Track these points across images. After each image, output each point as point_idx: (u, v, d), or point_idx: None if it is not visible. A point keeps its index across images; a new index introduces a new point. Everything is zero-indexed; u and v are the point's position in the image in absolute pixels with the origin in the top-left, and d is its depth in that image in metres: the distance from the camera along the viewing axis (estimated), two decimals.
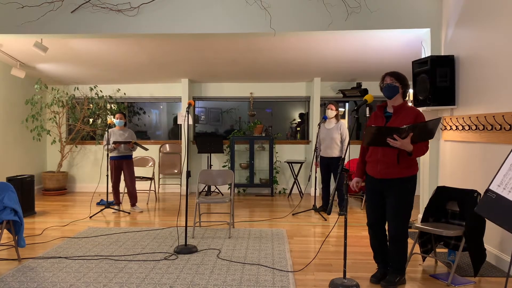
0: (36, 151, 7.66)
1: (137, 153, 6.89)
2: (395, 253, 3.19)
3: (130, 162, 6.02)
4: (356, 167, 3.42)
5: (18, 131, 7.10)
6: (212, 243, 4.36)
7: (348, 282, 3.16)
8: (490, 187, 2.65)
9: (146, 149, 6.21)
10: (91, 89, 7.76)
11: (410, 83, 4.96)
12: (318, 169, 6.03)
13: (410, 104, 5.44)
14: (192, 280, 3.31)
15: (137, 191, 6.19)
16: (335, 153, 5.82)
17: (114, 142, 5.77)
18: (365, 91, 7.13)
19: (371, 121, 3.31)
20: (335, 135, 5.82)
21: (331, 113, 5.85)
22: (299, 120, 8.23)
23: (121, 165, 5.96)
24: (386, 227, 3.27)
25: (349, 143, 3.30)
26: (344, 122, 5.90)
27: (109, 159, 5.99)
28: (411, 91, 5.38)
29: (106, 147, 5.87)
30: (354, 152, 7.63)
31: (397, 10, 4.79)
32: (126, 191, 6.21)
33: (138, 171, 7.27)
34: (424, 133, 3.04)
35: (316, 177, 6.01)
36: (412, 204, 3.18)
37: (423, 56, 4.97)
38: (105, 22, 4.96)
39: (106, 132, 5.92)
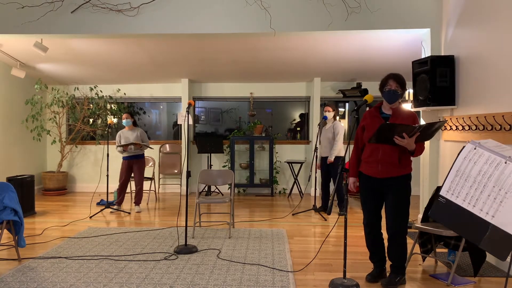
0: (36, 151, 7.66)
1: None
2: (396, 251, 3.20)
3: (141, 162, 6.07)
4: (350, 166, 3.41)
5: (18, 131, 7.10)
6: (212, 243, 4.37)
7: (348, 282, 3.16)
8: (441, 193, 2.77)
9: (151, 148, 6.36)
10: (91, 89, 7.76)
11: (410, 83, 4.99)
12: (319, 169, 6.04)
13: (410, 104, 5.46)
14: (192, 280, 3.31)
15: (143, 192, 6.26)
16: (329, 152, 5.84)
17: (120, 146, 5.86)
18: (365, 91, 7.13)
19: (366, 120, 3.31)
20: (330, 135, 5.84)
21: (329, 114, 5.87)
22: (299, 120, 8.22)
23: (132, 164, 6.01)
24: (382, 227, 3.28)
25: (349, 143, 3.29)
26: (338, 122, 5.88)
27: (112, 159, 6.02)
28: (411, 91, 5.39)
29: (117, 148, 5.95)
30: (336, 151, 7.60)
31: (397, 10, 4.79)
32: (132, 190, 6.26)
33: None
34: (428, 134, 3.12)
35: (316, 177, 6.02)
36: (409, 202, 3.22)
37: (423, 56, 4.97)
38: (105, 22, 4.96)
39: (107, 133, 5.94)
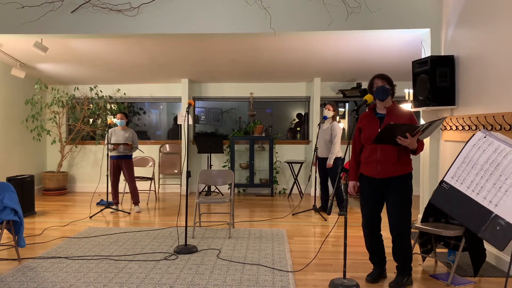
0: (36, 151, 7.66)
1: (137, 153, 6.90)
2: (401, 252, 3.19)
3: (129, 162, 6.04)
4: (350, 169, 3.40)
5: (18, 131, 7.10)
6: (212, 243, 4.37)
7: (348, 282, 3.16)
8: (445, 179, 2.79)
9: (142, 151, 6.28)
10: (91, 89, 7.76)
11: (410, 83, 4.99)
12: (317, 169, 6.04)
13: (410, 104, 5.46)
14: (192, 280, 3.31)
15: (138, 191, 6.22)
16: (327, 153, 5.84)
17: (111, 144, 5.83)
18: (365, 91, 7.12)
19: (363, 122, 3.32)
20: (327, 136, 5.82)
21: (328, 113, 5.87)
22: (297, 120, 8.23)
23: (120, 164, 5.99)
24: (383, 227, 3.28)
25: (349, 143, 3.30)
26: (336, 123, 5.86)
27: (109, 158, 6.02)
28: (411, 91, 5.39)
29: (106, 146, 5.91)
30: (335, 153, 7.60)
31: (397, 10, 4.79)
32: (126, 190, 6.24)
33: (138, 171, 7.26)
34: (428, 132, 3.13)
35: (316, 177, 6.01)
36: (411, 201, 3.21)
37: (423, 56, 4.97)
38: (105, 22, 4.96)
39: (107, 132, 5.94)
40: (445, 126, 4.65)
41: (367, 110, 3.41)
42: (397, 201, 3.15)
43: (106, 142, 5.94)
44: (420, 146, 3.14)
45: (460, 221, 2.65)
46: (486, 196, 2.52)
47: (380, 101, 3.25)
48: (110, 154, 5.97)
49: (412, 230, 4.49)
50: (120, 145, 5.83)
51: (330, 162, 5.71)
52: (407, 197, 3.17)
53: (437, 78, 4.47)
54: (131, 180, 6.05)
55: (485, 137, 2.64)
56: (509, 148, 2.50)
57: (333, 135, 5.76)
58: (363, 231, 3.36)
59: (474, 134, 2.74)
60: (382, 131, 3.04)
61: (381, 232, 3.34)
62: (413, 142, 3.03)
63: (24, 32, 4.99)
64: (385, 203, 3.27)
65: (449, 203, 2.71)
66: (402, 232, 3.16)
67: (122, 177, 6.10)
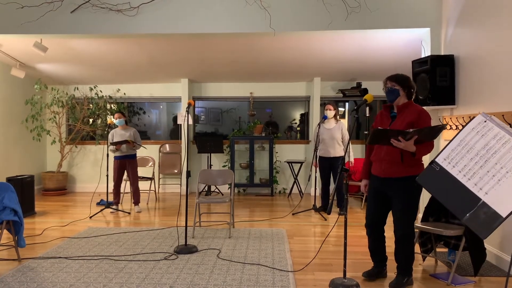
0: (36, 151, 7.65)
1: (138, 152, 6.89)
2: (402, 254, 3.18)
3: (133, 162, 6.05)
4: (362, 168, 3.42)
5: (18, 131, 7.10)
6: (212, 243, 4.36)
7: (348, 282, 3.16)
8: (436, 160, 2.69)
9: (145, 147, 6.23)
10: (91, 89, 7.75)
11: None
12: (317, 169, 6.03)
13: None
14: (192, 280, 3.31)
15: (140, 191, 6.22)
16: (338, 152, 5.89)
17: (112, 144, 5.80)
18: (365, 91, 7.12)
19: (377, 120, 3.32)
20: (337, 134, 5.87)
21: (330, 113, 5.88)
22: (299, 120, 8.22)
23: (124, 164, 5.99)
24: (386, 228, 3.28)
25: (348, 143, 3.31)
26: (344, 123, 5.98)
27: (111, 159, 6.03)
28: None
29: (110, 147, 5.92)
30: (353, 151, 7.63)
31: (397, 10, 4.79)
32: (129, 190, 6.24)
33: (138, 171, 7.25)
34: (430, 135, 3.03)
35: (316, 177, 6.01)
36: (417, 204, 3.17)
37: (423, 56, 4.97)
38: (105, 22, 4.96)
39: (107, 133, 5.93)
40: None
41: (367, 108, 3.41)
42: (399, 204, 3.12)
43: (108, 144, 5.94)
44: (422, 149, 3.00)
45: (444, 204, 2.58)
46: (477, 182, 2.45)
47: (391, 102, 3.22)
48: (114, 154, 5.97)
49: None
50: (121, 144, 5.80)
51: (352, 159, 6.05)
52: (410, 201, 3.10)
53: (437, 78, 4.47)
54: (135, 180, 6.06)
55: (485, 121, 2.57)
56: (508, 136, 2.43)
57: (345, 135, 5.96)
58: (366, 230, 3.36)
59: (473, 117, 2.66)
60: (371, 135, 3.01)
61: (384, 234, 3.33)
62: (408, 146, 2.94)
63: (24, 32, 4.99)
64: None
65: (436, 184, 2.63)
66: (403, 236, 3.13)
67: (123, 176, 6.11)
